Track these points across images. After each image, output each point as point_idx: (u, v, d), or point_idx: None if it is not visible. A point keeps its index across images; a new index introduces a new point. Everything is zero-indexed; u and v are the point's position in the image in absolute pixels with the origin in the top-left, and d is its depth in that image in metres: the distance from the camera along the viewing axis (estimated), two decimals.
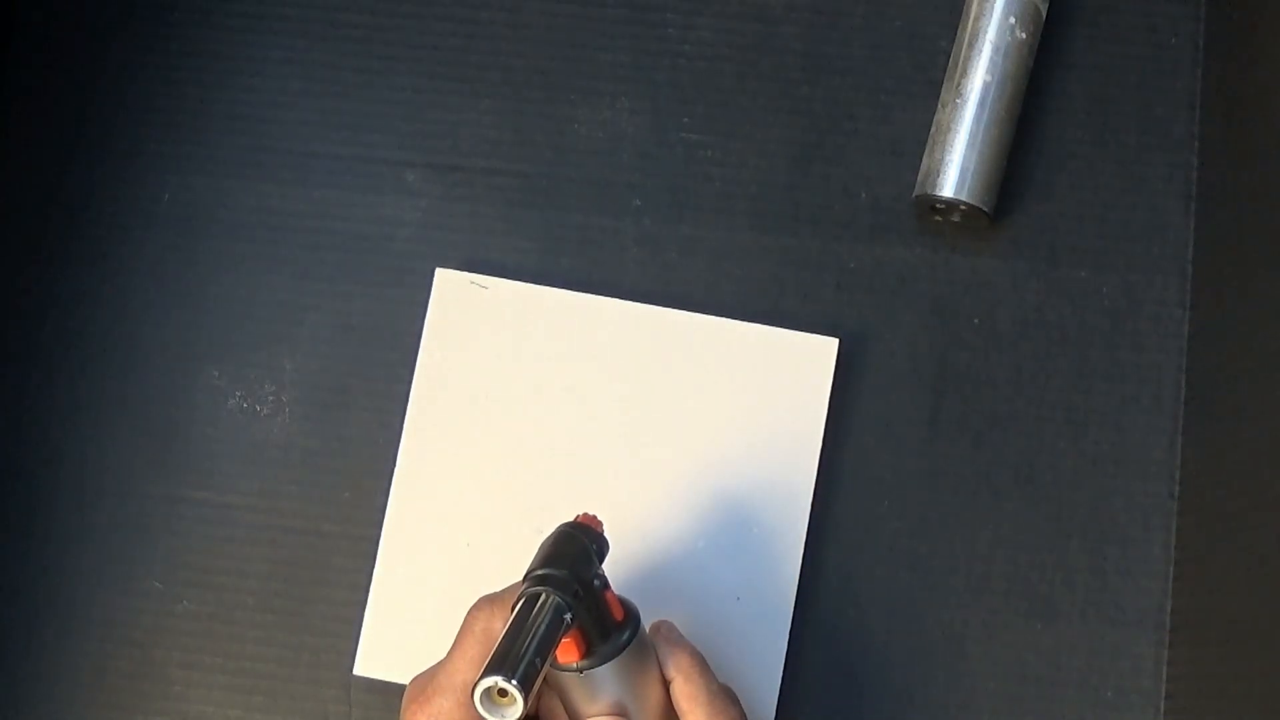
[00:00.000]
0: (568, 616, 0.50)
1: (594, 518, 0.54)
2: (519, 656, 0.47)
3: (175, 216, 0.68)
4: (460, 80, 0.68)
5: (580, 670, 0.51)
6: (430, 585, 0.63)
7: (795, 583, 0.62)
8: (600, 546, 0.53)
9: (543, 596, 0.50)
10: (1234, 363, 0.60)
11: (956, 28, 0.66)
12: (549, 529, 0.54)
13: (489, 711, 0.46)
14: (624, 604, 0.54)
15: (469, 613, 0.54)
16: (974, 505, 0.64)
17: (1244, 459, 0.58)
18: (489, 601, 0.54)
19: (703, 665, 0.54)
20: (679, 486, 0.63)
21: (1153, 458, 0.64)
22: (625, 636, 0.52)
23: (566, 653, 0.51)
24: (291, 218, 0.67)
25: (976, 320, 0.65)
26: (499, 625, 0.53)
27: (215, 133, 0.68)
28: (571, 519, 0.54)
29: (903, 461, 0.64)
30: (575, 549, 0.52)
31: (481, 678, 0.46)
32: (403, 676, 0.62)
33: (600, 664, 0.51)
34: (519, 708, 0.46)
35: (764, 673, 0.62)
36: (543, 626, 0.49)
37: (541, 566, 0.51)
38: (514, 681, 0.46)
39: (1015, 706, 0.63)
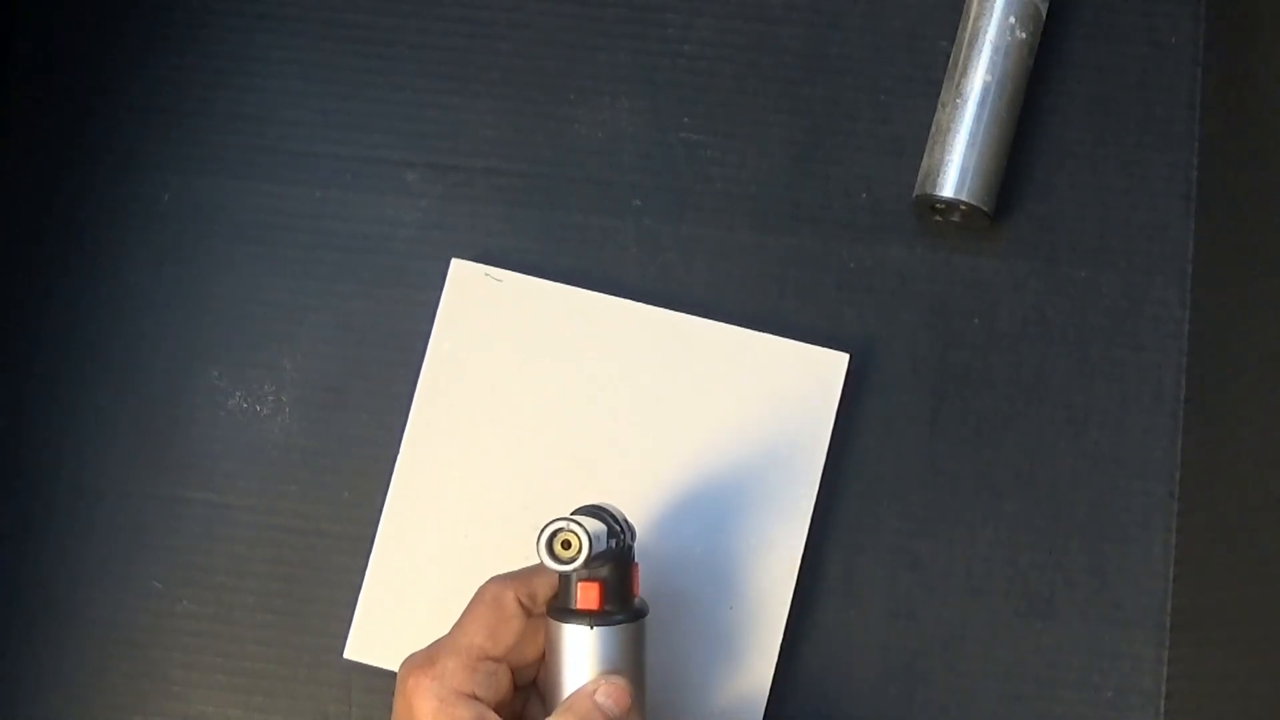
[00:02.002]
0: (613, 542, 0.51)
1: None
2: (585, 521, 0.49)
3: (175, 216, 0.68)
4: (460, 80, 0.68)
5: (591, 624, 0.52)
6: (425, 574, 0.63)
7: (790, 595, 0.62)
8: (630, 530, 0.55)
9: (600, 512, 0.52)
10: (1234, 363, 0.60)
11: (956, 28, 0.66)
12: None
13: (551, 559, 0.48)
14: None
15: (480, 587, 0.54)
16: (974, 505, 0.64)
17: (1244, 459, 0.58)
18: (501, 577, 0.55)
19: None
20: (679, 492, 0.63)
21: (1153, 458, 0.64)
22: (639, 613, 0.53)
23: (587, 598, 0.52)
24: (291, 218, 0.67)
25: (976, 320, 0.65)
26: (510, 596, 0.53)
27: (215, 133, 0.68)
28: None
29: (903, 461, 0.64)
30: (611, 516, 0.53)
31: (550, 522, 0.48)
32: (393, 664, 0.62)
33: (613, 623, 0.52)
34: (583, 555, 0.48)
35: (752, 683, 0.62)
36: (603, 524, 0.51)
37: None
38: (580, 526, 0.48)
39: (1015, 706, 0.63)
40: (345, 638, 0.63)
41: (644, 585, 0.55)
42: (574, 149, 0.67)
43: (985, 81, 0.64)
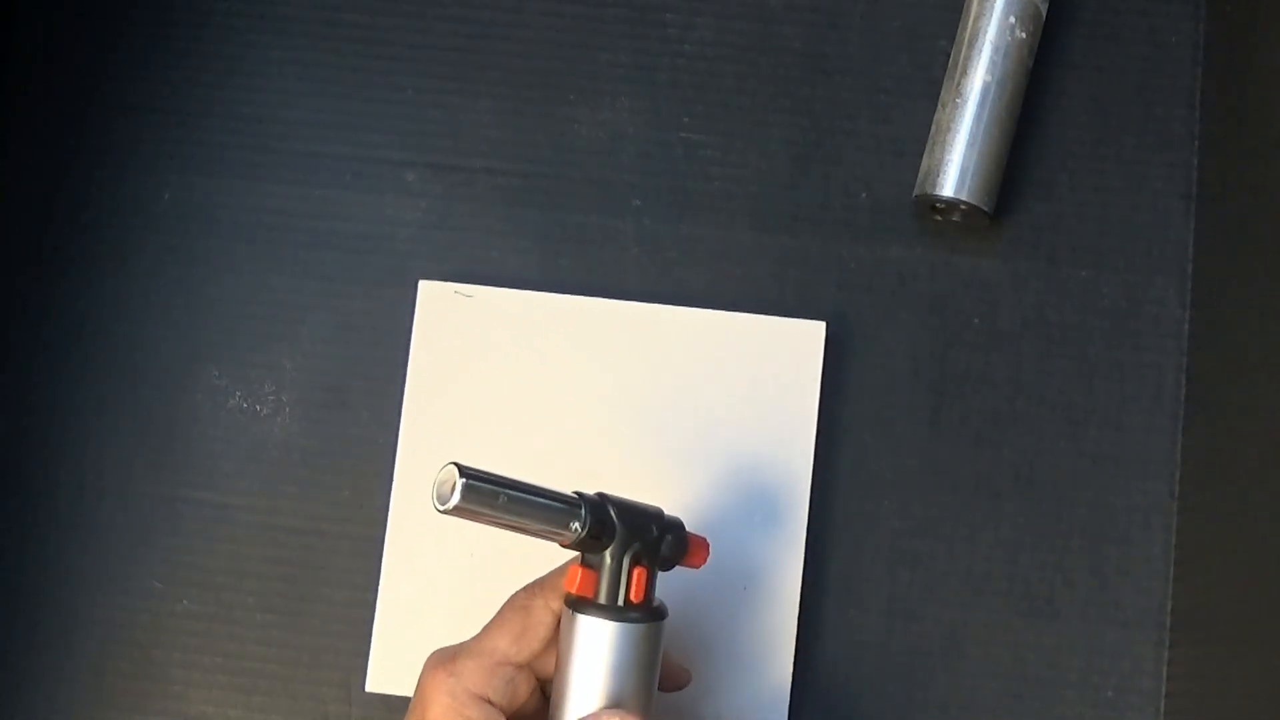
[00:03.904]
0: (575, 525, 0.51)
1: (703, 546, 0.56)
2: (491, 475, 0.50)
3: (175, 216, 0.68)
4: (460, 80, 0.68)
5: (570, 605, 0.52)
6: (435, 598, 0.63)
7: (801, 566, 0.62)
8: (675, 553, 0.54)
9: (602, 502, 0.52)
10: (1234, 363, 0.60)
11: (956, 28, 0.66)
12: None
13: (436, 496, 0.49)
14: (651, 603, 0.54)
15: (512, 594, 0.55)
16: (974, 505, 0.64)
17: (1244, 459, 0.58)
18: (531, 583, 0.55)
19: None
20: (678, 480, 0.63)
21: (1153, 458, 0.64)
22: (619, 614, 0.52)
23: (570, 578, 0.52)
24: (291, 218, 0.67)
25: (976, 320, 0.65)
26: (539, 602, 0.54)
27: (215, 133, 0.68)
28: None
29: (903, 461, 0.64)
30: (648, 521, 0.53)
31: (451, 464, 0.49)
32: (412, 691, 0.62)
33: (590, 613, 0.52)
34: (454, 498, 0.49)
35: (776, 659, 0.62)
36: (542, 491, 0.51)
37: (617, 497, 0.53)
38: (463, 473, 0.49)
39: (1015, 706, 0.63)
40: (345, 637, 0.63)
41: (663, 580, 0.55)
42: (574, 149, 0.67)
43: (985, 81, 0.64)
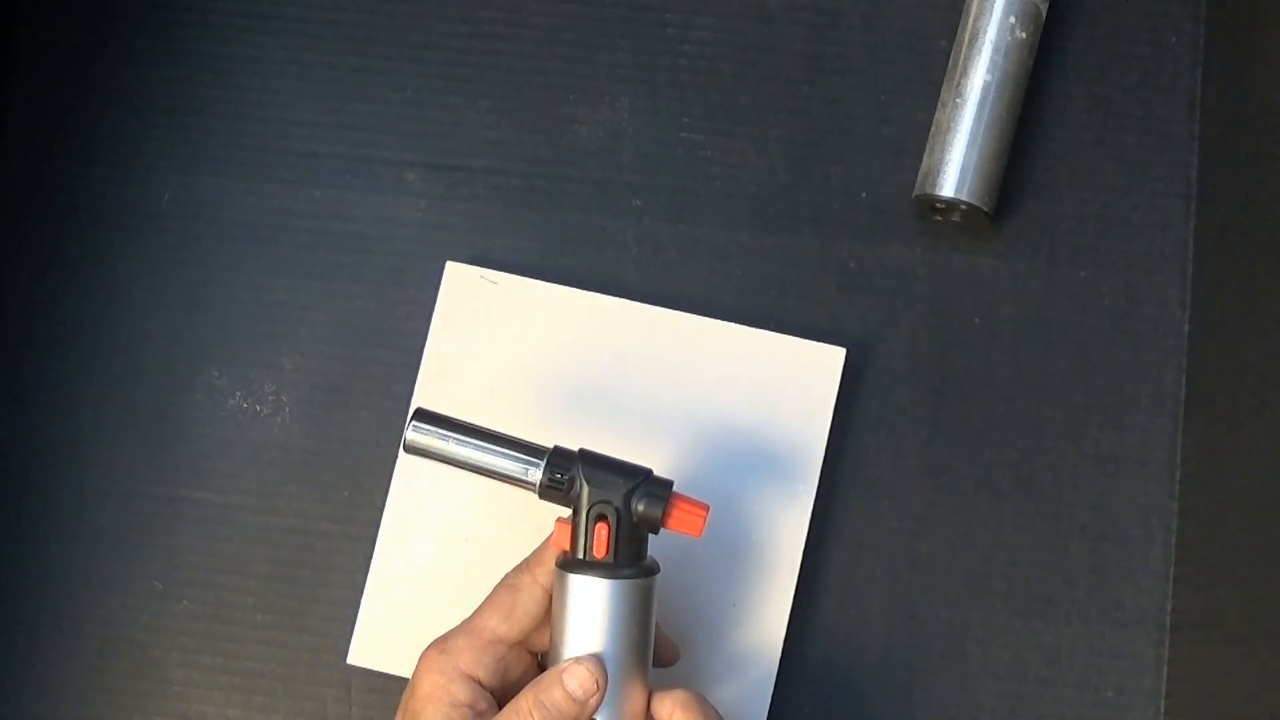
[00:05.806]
0: (533, 472, 0.54)
1: (696, 512, 0.54)
2: (449, 419, 0.55)
3: (175, 216, 0.68)
4: (460, 80, 0.68)
5: (556, 562, 0.54)
6: (427, 578, 0.63)
7: (792, 592, 0.62)
8: (653, 511, 0.53)
9: (545, 447, 0.55)
10: (1234, 363, 0.60)
11: (956, 28, 0.66)
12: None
13: (402, 440, 0.55)
14: (633, 559, 0.54)
15: (505, 574, 0.55)
16: (974, 505, 0.64)
17: (1244, 459, 0.58)
18: (520, 562, 0.56)
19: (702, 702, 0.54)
20: (681, 488, 0.63)
21: (1153, 458, 0.64)
22: (590, 569, 0.53)
23: (555, 535, 0.54)
24: (291, 218, 0.67)
25: (976, 320, 0.65)
26: (528, 579, 0.55)
27: (215, 133, 0.68)
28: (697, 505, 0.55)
29: (903, 462, 0.64)
30: (620, 477, 0.54)
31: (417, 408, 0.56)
32: (396, 668, 0.63)
33: (561, 566, 0.53)
34: (407, 435, 0.55)
35: (756, 680, 0.62)
36: (506, 439, 0.55)
37: (596, 453, 0.55)
38: (414, 417, 0.55)
39: (1015, 706, 0.63)
40: (346, 638, 0.63)
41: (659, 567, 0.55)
42: (574, 149, 0.67)
43: (985, 81, 0.64)
